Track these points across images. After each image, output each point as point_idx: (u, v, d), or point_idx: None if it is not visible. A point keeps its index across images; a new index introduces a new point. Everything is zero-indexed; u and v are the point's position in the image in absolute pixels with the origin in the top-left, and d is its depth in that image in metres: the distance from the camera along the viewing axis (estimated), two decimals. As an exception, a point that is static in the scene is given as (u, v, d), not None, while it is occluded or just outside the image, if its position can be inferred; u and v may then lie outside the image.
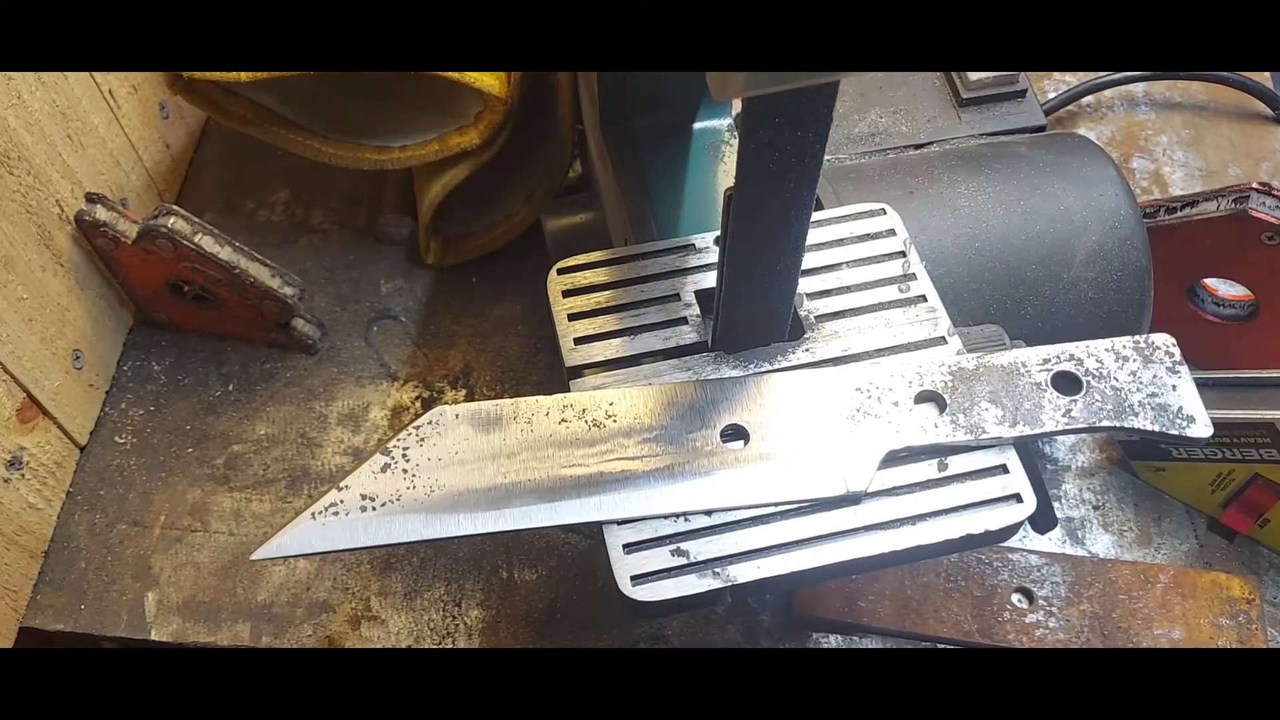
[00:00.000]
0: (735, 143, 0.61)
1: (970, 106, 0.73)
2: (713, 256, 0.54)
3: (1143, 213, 0.66)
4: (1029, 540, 0.68)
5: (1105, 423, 0.47)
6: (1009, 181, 0.64)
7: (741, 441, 0.46)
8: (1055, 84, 0.88)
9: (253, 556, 0.42)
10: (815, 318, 0.52)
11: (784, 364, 0.50)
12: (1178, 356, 0.48)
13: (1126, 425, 0.46)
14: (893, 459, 0.47)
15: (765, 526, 0.46)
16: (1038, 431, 0.46)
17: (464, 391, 0.77)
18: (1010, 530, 0.47)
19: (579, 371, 0.50)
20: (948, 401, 0.47)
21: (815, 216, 0.55)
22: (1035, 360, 0.48)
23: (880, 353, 0.50)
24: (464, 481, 0.44)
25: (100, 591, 0.69)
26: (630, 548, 0.45)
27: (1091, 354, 0.48)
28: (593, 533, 0.68)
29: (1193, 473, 0.69)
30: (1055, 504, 0.70)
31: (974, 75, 0.73)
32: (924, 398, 0.47)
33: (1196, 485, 0.69)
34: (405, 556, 0.70)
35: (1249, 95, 0.86)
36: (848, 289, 0.53)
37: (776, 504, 0.45)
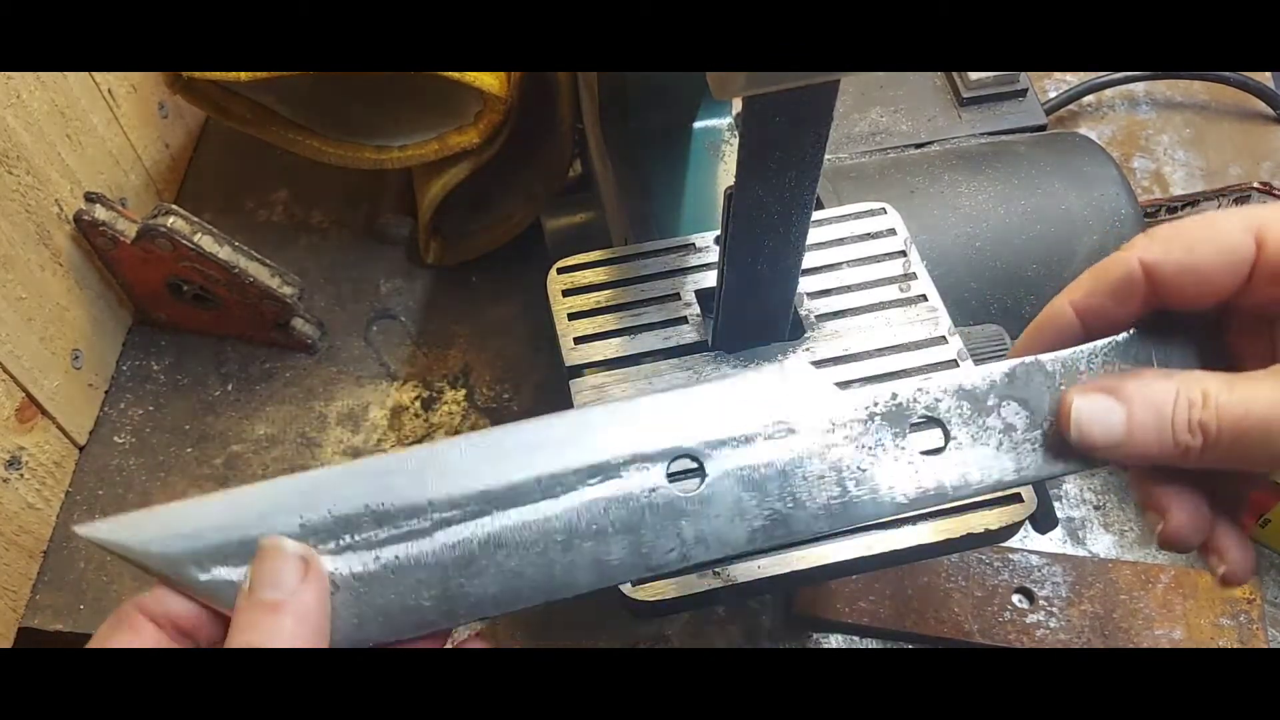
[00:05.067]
0: (735, 142, 0.61)
1: (971, 106, 0.73)
2: (713, 256, 0.54)
3: (1144, 212, 0.66)
4: (1030, 540, 0.67)
5: None
6: (1010, 181, 0.64)
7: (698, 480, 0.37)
8: (1056, 83, 0.88)
9: None
10: (815, 317, 0.52)
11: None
12: None
13: None
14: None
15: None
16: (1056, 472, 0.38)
17: (463, 391, 0.77)
18: (1011, 530, 0.47)
19: (579, 371, 0.50)
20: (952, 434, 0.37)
21: (815, 216, 0.55)
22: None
23: (880, 352, 0.50)
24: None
25: (100, 591, 0.69)
26: (630, 548, 0.45)
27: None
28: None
29: (1193, 473, 0.69)
30: (1056, 504, 0.70)
31: (974, 74, 0.73)
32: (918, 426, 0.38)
33: (1197, 485, 0.69)
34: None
35: (1250, 95, 0.86)
36: (848, 288, 0.53)
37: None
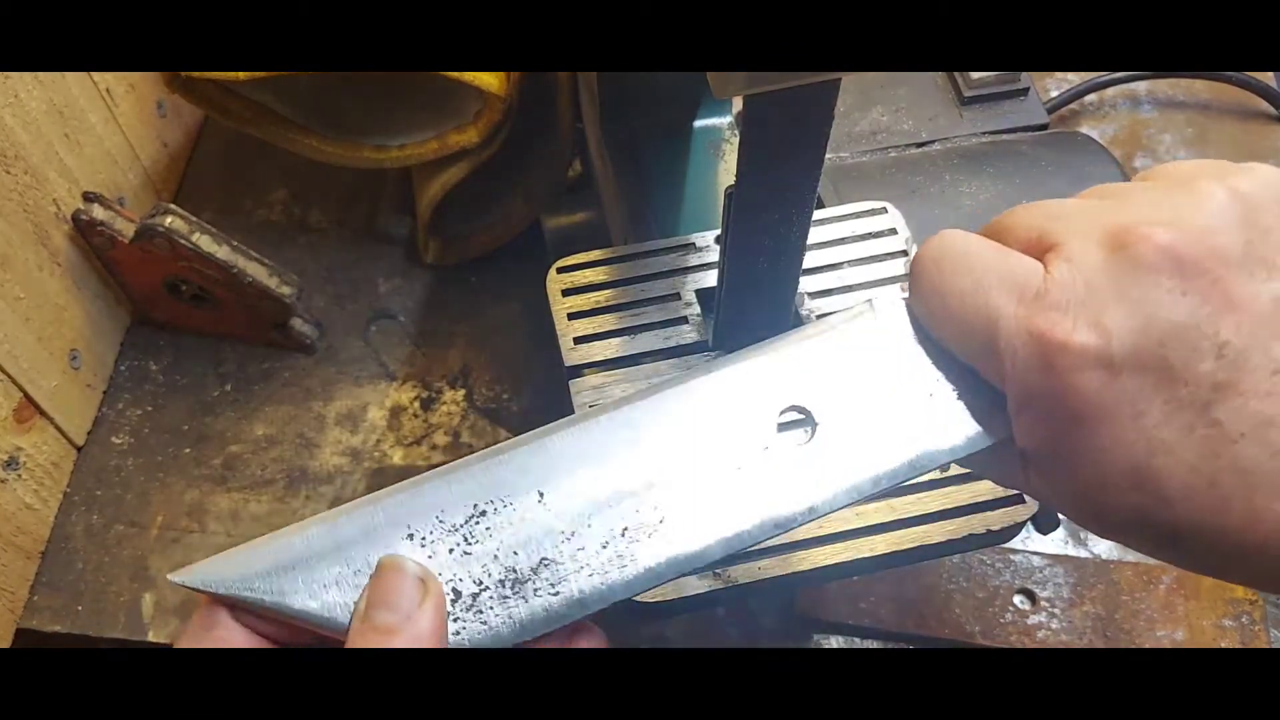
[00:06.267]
0: (735, 141, 0.61)
1: (972, 104, 0.73)
2: (713, 255, 0.54)
3: (1145, 212, 0.66)
4: (1031, 541, 0.67)
5: None
6: (1011, 180, 0.64)
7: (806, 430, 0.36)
8: (1057, 82, 0.88)
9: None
10: (816, 317, 0.51)
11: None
12: None
13: None
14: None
15: (766, 528, 0.45)
16: None
17: (462, 391, 0.77)
18: (1012, 530, 0.47)
19: (579, 371, 0.50)
20: None
21: (816, 215, 0.54)
22: None
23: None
24: None
25: (97, 592, 0.69)
26: (630, 549, 0.44)
27: None
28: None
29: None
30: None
31: (976, 73, 0.73)
32: None
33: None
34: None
35: (1252, 94, 0.86)
36: (849, 288, 0.52)
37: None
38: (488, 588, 0.34)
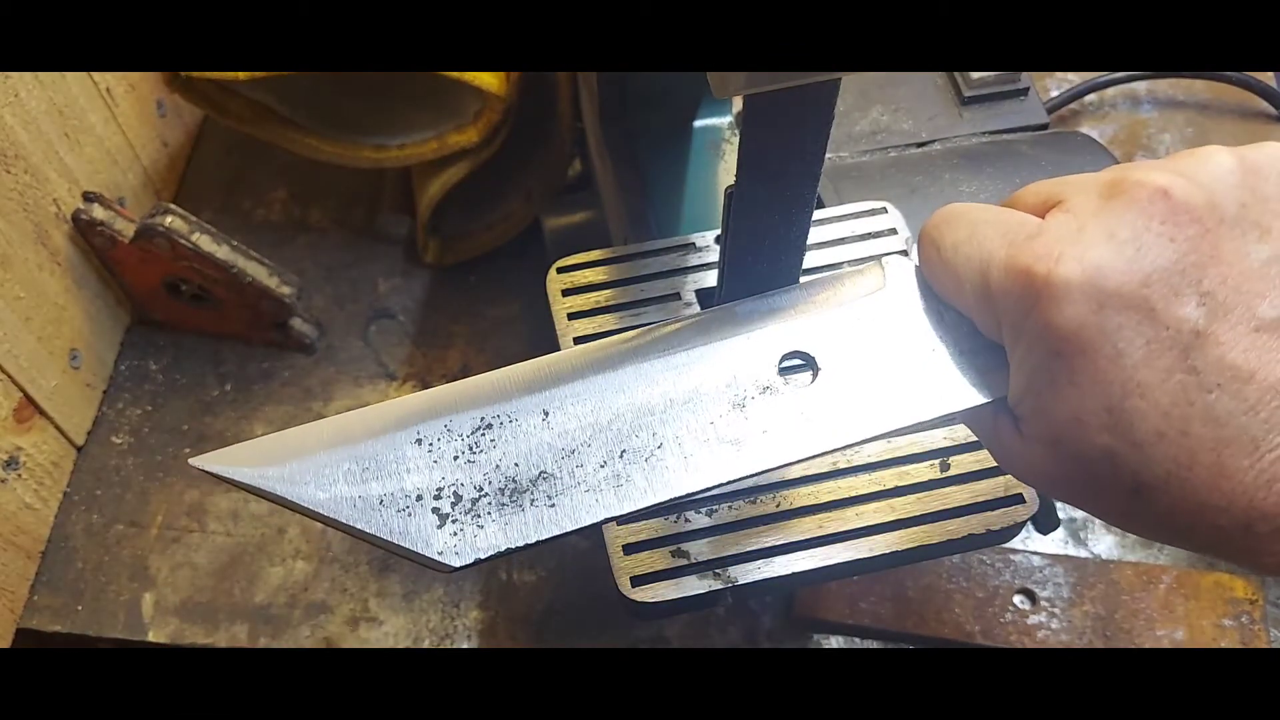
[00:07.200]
0: (735, 141, 0.61)
1: (972, 104, 0.73)
2: (713, 255, 0.54)
3: (1145, 211, 0.66)
4: (1031, 541, 0.67)
5: None
6: (1011, 180, 0.64)
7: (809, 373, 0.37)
8: (1057, 82, 0.88)
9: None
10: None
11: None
12: None
13: None
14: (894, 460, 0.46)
15: (766, 527, 0.45)
16: None
17: (463, 391, 0.77)
18: (1012, 530, 0.47)
19: (578, 371, 0.50)
20: None
21: (816, 215, 0.54)
22: None
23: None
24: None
25: (97, 592, 0.69)
26: (630, 549, 0.45)
27: None
28: (592, 534, 0.68)
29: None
30: (1057, 504, 0.70)
31: (976, 73, 0.72)
32: None
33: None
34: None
35: (1252, 94, 0.86)
36: (849, 288, 0.52)
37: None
38: (487, 494, 0.35)
